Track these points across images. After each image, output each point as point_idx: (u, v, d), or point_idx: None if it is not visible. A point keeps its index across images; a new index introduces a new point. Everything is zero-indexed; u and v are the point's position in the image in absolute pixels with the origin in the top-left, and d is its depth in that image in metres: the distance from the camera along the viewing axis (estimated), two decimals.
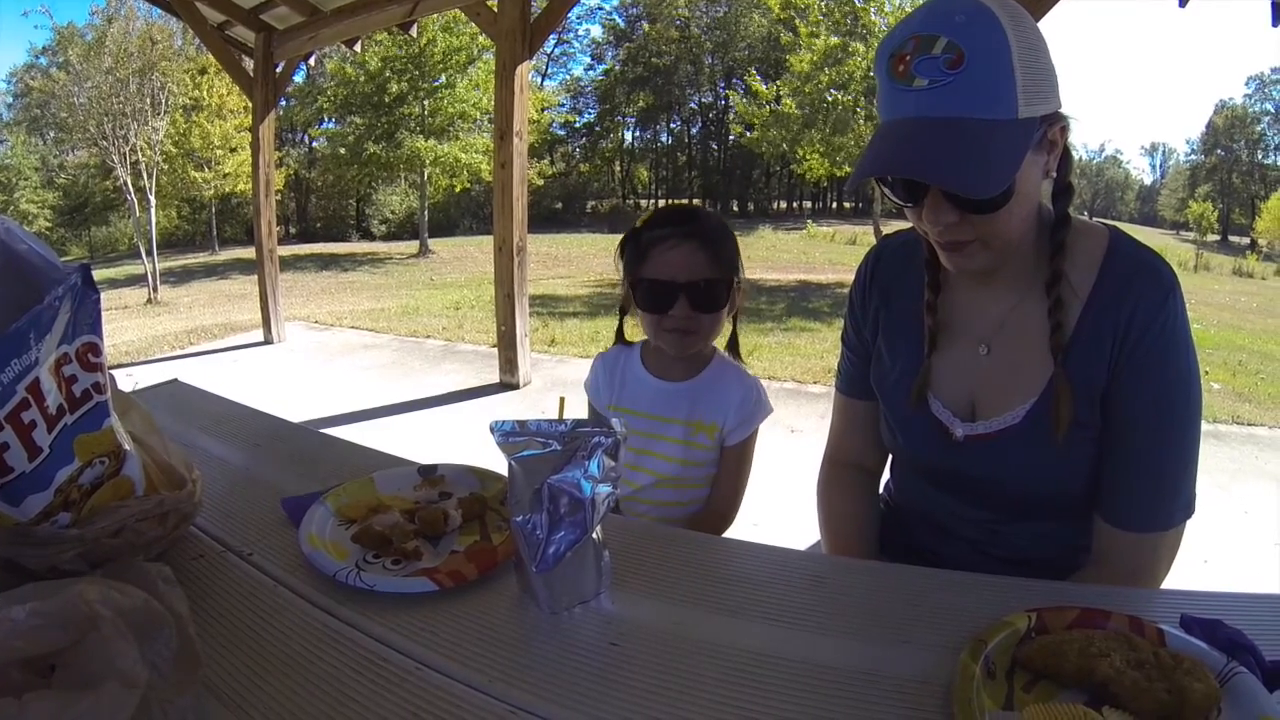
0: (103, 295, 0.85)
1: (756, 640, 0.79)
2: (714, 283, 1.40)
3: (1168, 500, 1.02)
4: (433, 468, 1.18)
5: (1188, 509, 1.03)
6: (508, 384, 5.87)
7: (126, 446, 0.87)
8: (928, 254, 1.13)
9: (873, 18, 16.86)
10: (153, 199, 14.63)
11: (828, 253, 21.07)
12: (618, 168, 47.46)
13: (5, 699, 0.52)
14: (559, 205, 40.54)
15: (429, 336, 8.40)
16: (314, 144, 35.38)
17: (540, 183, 29.78)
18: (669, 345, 1.45)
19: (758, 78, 20.02)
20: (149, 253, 13.85)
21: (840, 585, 0.91)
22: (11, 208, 27.30)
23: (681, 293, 1.38)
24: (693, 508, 1.49)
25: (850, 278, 1.30)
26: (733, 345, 1.58)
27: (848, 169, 17.21)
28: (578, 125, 45.09)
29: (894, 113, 0.93)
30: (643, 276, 1.41)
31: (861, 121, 16.74)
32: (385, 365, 7.04)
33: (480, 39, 18.27)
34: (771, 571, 0.93)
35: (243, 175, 18.71)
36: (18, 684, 0.56)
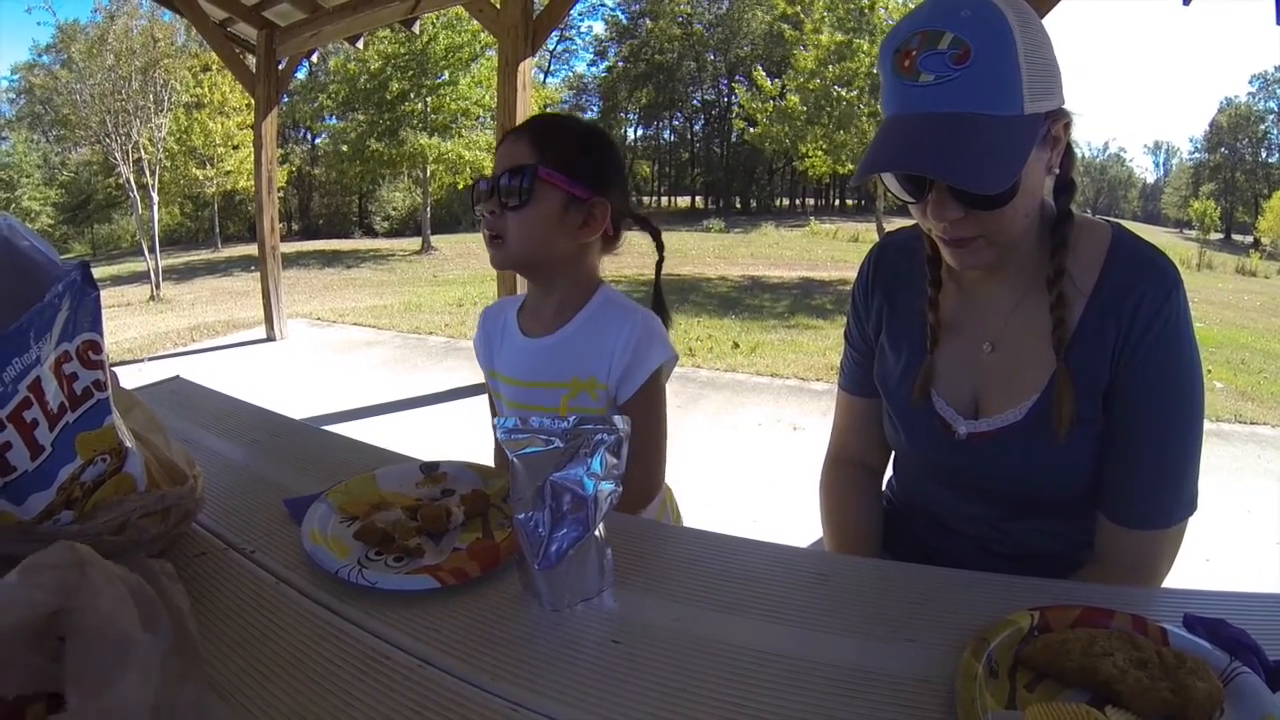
0: (105, 292, 0.85)
1: (759, 638, 0.79)
2: (520, 169, 1.19)
3: (1170, 497, 1.02)
4: (435, 464, 1.18)
5: (1190, 506, 1.03)
6: None
7: (128, 444, 0.87)
8: (929, 251, 1.13)
9: (880, 13, 16.78)
10: (155, 196, 14.66)
11: (830, 250, 21.06)
12: None
13: None
14: None
15: (432, 333, 8.41)
16: (317, 141, 35.42)
17: None
18: (491, 258, 1.27)
19: (763, 72, 19.95)
20: (151, 250, 13.90)
21: (843, 583, 0.90)
22: (14, 205, 27.35)
23: (492, 188, 1.22)
24: None
25: (853, 275, 1.29)
26: (658, 304, 1.38)
27: (850, 166, 17.16)
28: None
29: (899, 108, 0.92)
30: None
31: (864, 118, 16.70)
32: (388, 362, 7.05)
33: (483, 36, 18.26)
34: (774, 569, 0.93)
35: (245, 172, 18.70)
36: (38, 670, 0.56)
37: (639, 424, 1.22)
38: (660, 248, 1.41)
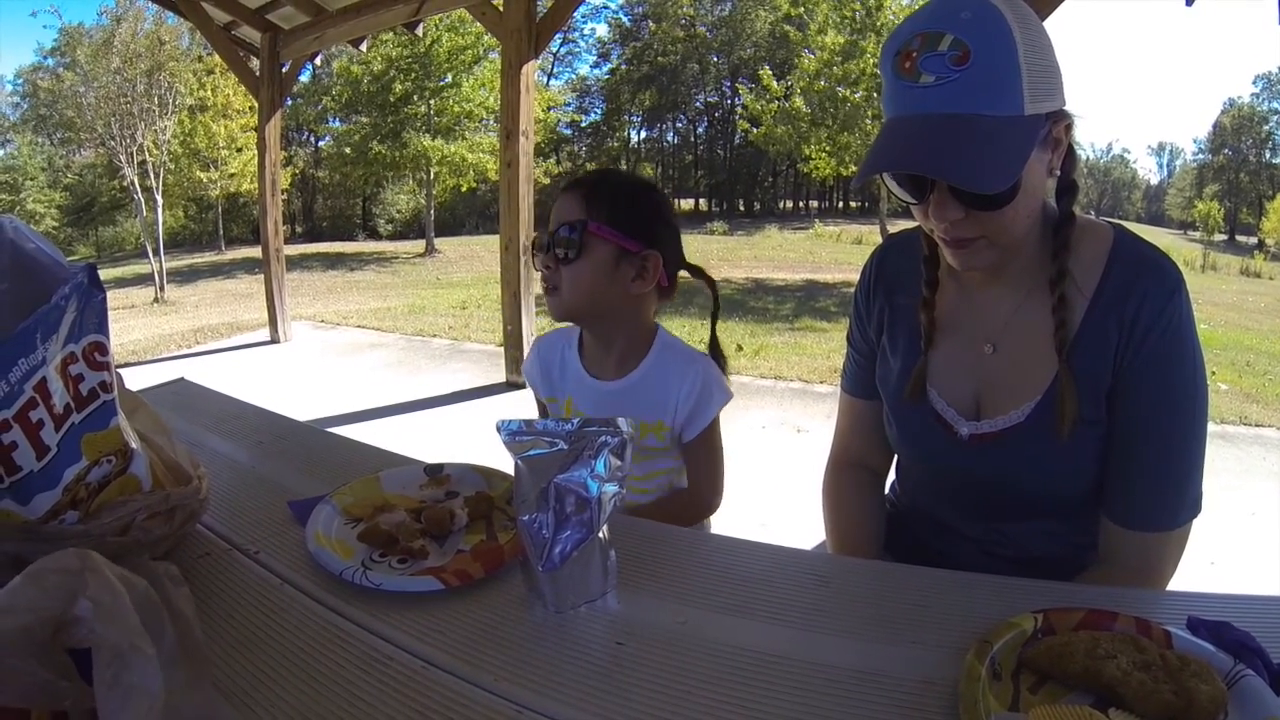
0: (110, 294, 0.85)
1: (762, 640, 0.79)
2: (572, 225, 1.25)
3: (1174, 499, 1.02)
4: (439, 467, 1.18)
5: (1194, 508, 1.03)
6: (514, 383, 5.87)
7: (133, 445, 0.87)
8: (926, 251, 1.13)
9: (886, 14, 16.71)
10: (159, 199, 14.73)
11: (834, 252, 21.03)
12: (624, 167, 47.39)
13: None
14: None
15: (435, 335, 8.41)
16: (320, 143, 35.48)
17: (546, 182, 29.70)
18: (548, 306, 1.32)
19: (770, 72, 19.96)
20: (156, 252, 13.94)
21: (846, 585, 0.91)
22: (18, 207, 27.40)
23: (548, 243, 1.27)
24: (656, 494, 1.38)
25: (857, 277, 1.30)
26: (712, 348, 1.43)
27: (854, 168, 17.13)
28: (584, 125, 45.26)
29: (900, 109, 0.93)
30: None
31: (869, 120, 16.67)
32: (391, 364, 7.06)
33: (486, 38, 18.27)
34: (777, 571, 0.93)
35: (249, 175, 18.74)
36: (45, 685, 0.56)
37: (703, 457, 1.36)
38: (715, 298, 1.45)
